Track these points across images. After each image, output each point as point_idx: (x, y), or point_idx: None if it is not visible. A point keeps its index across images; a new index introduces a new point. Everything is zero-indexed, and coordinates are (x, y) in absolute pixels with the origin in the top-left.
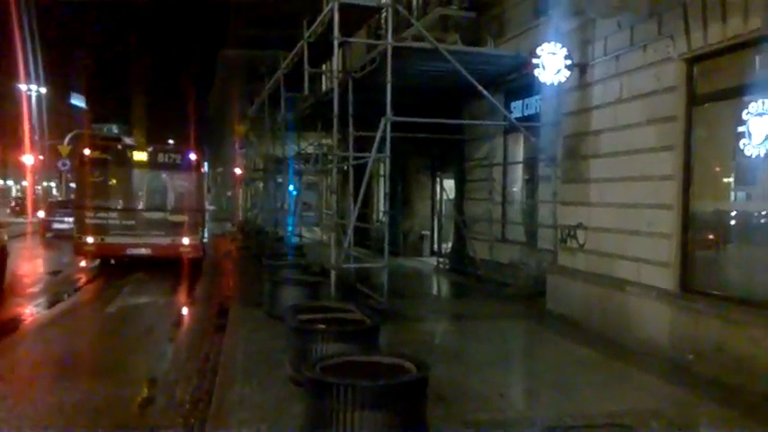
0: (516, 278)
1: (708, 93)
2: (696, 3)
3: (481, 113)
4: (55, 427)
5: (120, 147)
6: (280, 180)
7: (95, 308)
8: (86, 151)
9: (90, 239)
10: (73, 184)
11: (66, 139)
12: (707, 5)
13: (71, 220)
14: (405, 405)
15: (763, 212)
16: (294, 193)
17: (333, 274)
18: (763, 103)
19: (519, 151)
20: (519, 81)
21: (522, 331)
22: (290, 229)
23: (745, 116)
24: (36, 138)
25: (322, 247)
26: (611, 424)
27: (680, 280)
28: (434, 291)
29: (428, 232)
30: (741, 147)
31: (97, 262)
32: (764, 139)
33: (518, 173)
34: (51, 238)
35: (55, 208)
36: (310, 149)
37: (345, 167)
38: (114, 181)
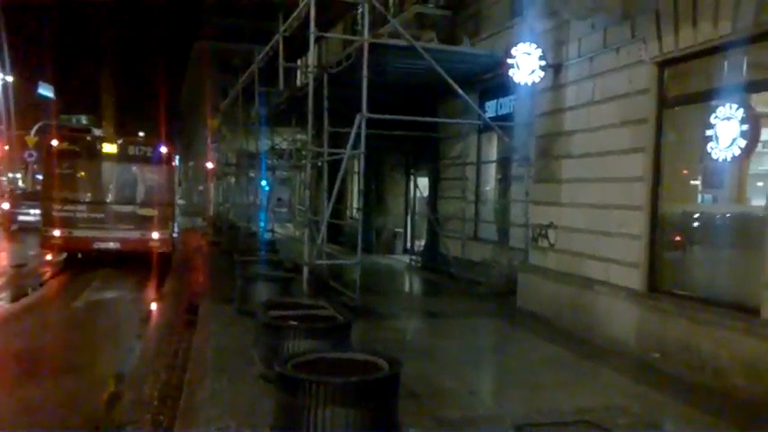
0: (488, 276)
1: (678, 96)
2: (668, 7)
3: (456, 112)
4: (18, 426)
5: (89, 138)
6: (252, 175)
7: (61, 302)
8: (54, 142)
9: (57, 232)
10: (40, 176)
11: (34, 130)
12: (679, 10)
13: (37, 212)
14: (377, 402)
15: (729, 215)
16: (267, 188)
17: (305, 270)
18: (731, 107)
19: (492, 151)
20: (494, 81)
21: (493, 329)
22: (262, 224)
23: (713, 120)
24: (2, 128)
25: (295, 243)
26: (579, 421)
27: (648, 280)
28: (407, 288)
29: (401, 230)
30: (709, 150)
31: (64, 256)
32: (731, 143)
33: (491, 172)
34: (16, 231)
35: (20, 200)
36: (284, 145)
37: (320, 163)
38: (83, 173)
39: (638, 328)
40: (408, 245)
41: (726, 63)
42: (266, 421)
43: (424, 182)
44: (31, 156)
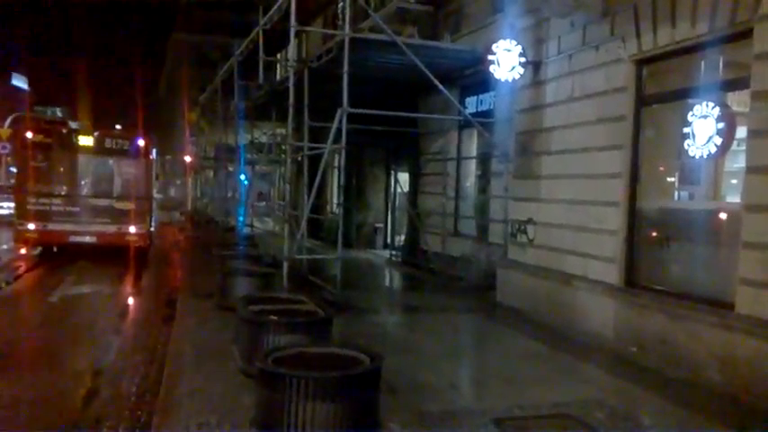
0: (468, 271)
1: (656, 94)
2: (647, 6)
3: (436, 108)
4: None
5: (64, 130)
6: (231, 169)
7: (36, 297)
8: (29, 134)
9: (32, 226)
10: (14, 169)
11: (7, 122)
12: (657, 9)
13: (9, 205)
14: (358, 396)
15: (705, 211)
16: (246, 182)
17: (285, 265)
18: (708, 105)
19: (473, 147)
20: (474, 77)
21: (472, 324)
22: (241, 219)
23: (690, 118)
24: None
25: (274, 237)
26: (557, 414)
27: (625, 275)
28: (387, 283)
29: (382, 225)
30: (686, 147)
31: (39, 250)
32: (707, 141)
33: (471, 168)
34: None
35: None
36: (264, 139)
37: (300, 158)
38: (58, 166)
39: (616, 323)
40: (389, 240)
41: (703, 62)
42: (246, 416)
43: (404, 177)
44: (4, 148)
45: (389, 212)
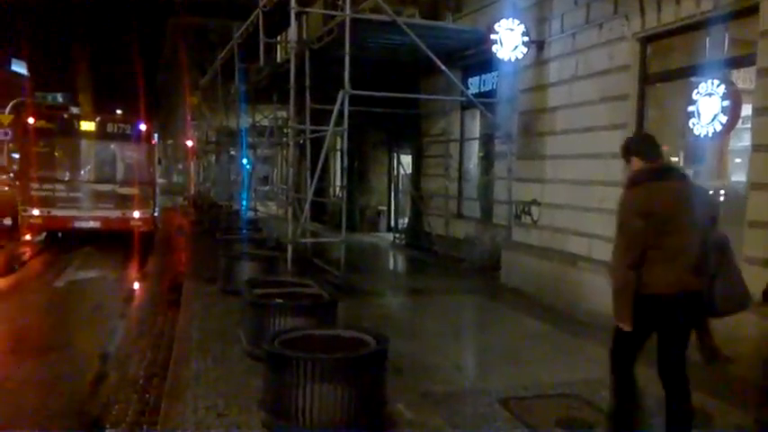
0: (472, 253)
1: (660, 72)
2: None
3: (438, 89)
4: (1, 401)
5: (66, 116)
6: (233, 153)
7: (42, 282)
8: (30, 120)
9: (36, 212)
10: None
11: (8, 108)
12: None
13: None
14: (364, 378)
15: (710, 190)
16: (248, 166)
17: (289, 248)
18: (713, 83)
19: (475, 127)
20: (476, 57)
21: (476, 305)
22: (244, 203)
23: (695, 96)
24: None
25: (278, 221)
26: (561, 394)
27: None
28: (391, 266)
29: (385, 208)
30: (690, 126)
31: (43, 235)
32: (713, 119)
33: (474, 149)
34: None
35: None
36: (265, 122)
37: (302, 141)
38: (60, 151)
39: None
40: (392, 222)
41: (708, 39)
42: (253, 399)
43: (407, 159)
44: (6, 134)
45: (392, 195)
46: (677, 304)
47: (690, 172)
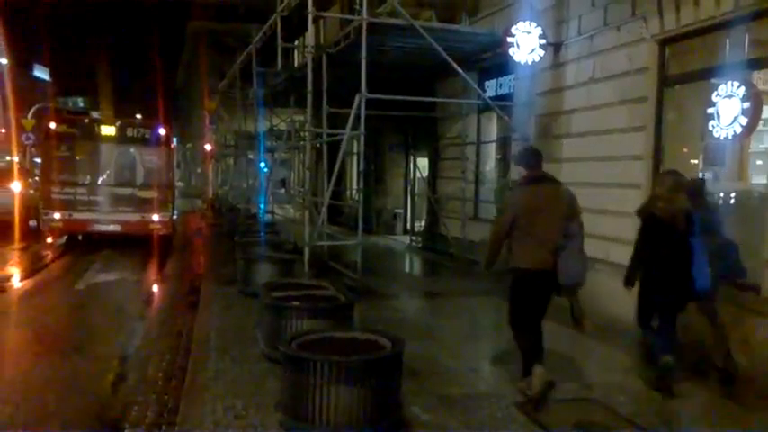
0: None
1: (679, 74)
2: None
3: (455, 92)
4: (24, 402)
5: (87, 120)
6: (251, 156)
7: (64, 285)
8: (52, 125)
9: (57, 215)
10: (38, 159)
11: (30, 113)
12: None
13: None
14: (380, 380)
15: (730, 193)
16: (266, 169)
17: (306, 251)
18: (733, 85)
19: (492, 130)
20: (493, 60)
21: (492, 308)
22: (261, 206)
23: (714, 98)
24: None
25: (294, 224)
26: (579, 398)
27: None
28: (407, 268)
29: (401, 210)
30: (710, 128)
31: (64, 238)
32: (732, 121)
33: (491, 152)
34: None
35: None
36: (283, 126)
37: (319, 144)
38: (81, 156)
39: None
40: (408, 225)
41: (728, 40)
42: (270, 400)
43: (423, 162)
44: (28, 139)
45: (409, 198)
46: (540, 277)
47: (709, 174)
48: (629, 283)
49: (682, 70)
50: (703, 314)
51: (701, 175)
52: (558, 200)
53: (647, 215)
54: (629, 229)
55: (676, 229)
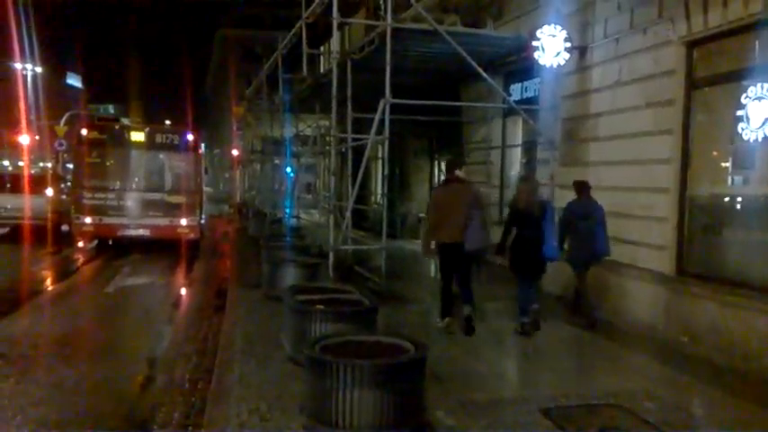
0: None
1: (707, 76)
2: None
3: (480, 96)
4: (57, 403)
5: (117, 127)
6: (277, 162)
7: (94, 289)
8: (84, 131)
9: (88, 220)
10: (70, 165)
11: (63, 120)
12: None
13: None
14: (404, 384)
15: (761, 196)
16: (292, 174)
17: (331, 255)
18: (762, 87)
19: (517, 134)
20: (518, 64)
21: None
22: (287, 210)
23: (743, 100)
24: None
25: (320, 229)
26: (605, 404)
27: (676, 263)
28: (432, 273)
29: (425, 215)
30: (739, 131)
31: (95, 243)
32: (763, 123)
33: (516, 156)
34: None
35: None
36: (308, 131)
37: (344, 149)
38: (112, 162)
39: (667, 312)
40: None
41: (757, 42)
42: (295, 403)
43: None
44: (61, 145)
45: None
46: (453, 248)
47: (739, 178)
48: (499, 253)
49: (710, 72)
50: (578, 279)
51: (730, 178)
52: (463, 195)
53: (513, 207)
54: (657, 234)
55: (533, 216)
